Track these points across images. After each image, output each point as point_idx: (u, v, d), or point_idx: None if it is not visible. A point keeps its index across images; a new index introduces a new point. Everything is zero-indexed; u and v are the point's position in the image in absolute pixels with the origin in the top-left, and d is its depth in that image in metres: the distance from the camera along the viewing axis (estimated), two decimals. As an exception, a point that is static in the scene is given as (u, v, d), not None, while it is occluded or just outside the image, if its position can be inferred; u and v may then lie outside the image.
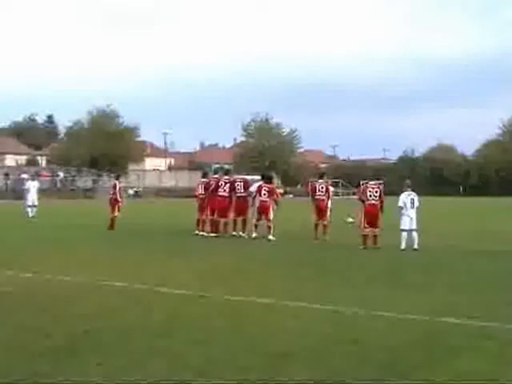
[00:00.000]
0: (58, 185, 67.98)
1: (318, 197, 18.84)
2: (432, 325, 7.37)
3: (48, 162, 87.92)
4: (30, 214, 28.52)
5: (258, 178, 21.09)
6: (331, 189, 35.55)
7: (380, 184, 17.74)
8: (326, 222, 18.58)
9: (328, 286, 10.03)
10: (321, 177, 20.10)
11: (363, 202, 16.69)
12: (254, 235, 18.49)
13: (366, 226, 16.40)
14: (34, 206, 29.28)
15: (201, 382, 5.25)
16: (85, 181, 71.54)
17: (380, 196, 16.59)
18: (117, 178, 23.88)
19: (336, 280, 10.74)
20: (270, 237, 18.25)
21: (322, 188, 19.00)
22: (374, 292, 9.49)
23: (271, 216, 18.75)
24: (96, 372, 5.50)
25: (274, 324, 7.33)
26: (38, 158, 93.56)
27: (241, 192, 19.53)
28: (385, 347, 6.33)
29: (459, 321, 7.49)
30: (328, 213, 18.80)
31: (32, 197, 29.48)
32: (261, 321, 7.49)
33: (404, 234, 15.78)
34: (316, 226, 18.50)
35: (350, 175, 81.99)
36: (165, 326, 7.15)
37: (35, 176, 34.52)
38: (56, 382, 5.28)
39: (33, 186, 30.39)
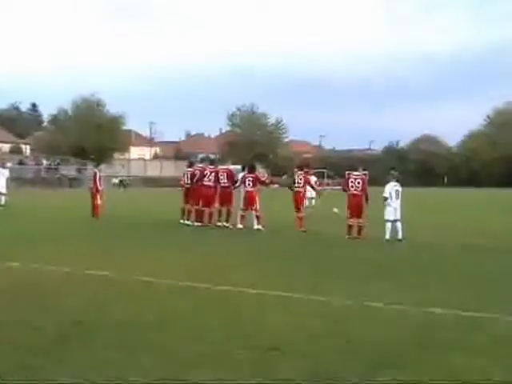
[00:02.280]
0: (43, 174, 67.47)
1: (295, 189, 18.80)
2: (423, 318, 7.38)
3: (32, 150, 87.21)
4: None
5: (238, 167, 21.04)
6: (313, 178, 35.77)
7: (364, 175, 17.74)
8: (301, 214, 18.44)
9: (318, 279, 10.00)
10: (300, 168, 19.76)
11: (345, 191, 16.77)
12: (240, 226, 18.44)
13: (349, 216, 16.47)
14: (2, 193, 29.03)
15: (192, 376, 5.21)
16: (69, 170, 71.08)
17: (363, 187, 16.59)
18: (96, 167, 23.73)
19: (327, 272, 10.72)
20: (260, 226, 18.24)
21: (301, 180, 18.88)
22: (364, 285, 9.49)
23: (258, 206, 18.72)
24: (86, 365, 5.45)
25: (265, 317, 7.30)
26: (22, 146, 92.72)
27: (225, 182, 19.49)
28: (375, 341, 6.33)
29: (450, 314, 7.51)
30: (305, 205, 18.65)
31: (1, 184, 29.25)
32: (251, 314, 7.46)
33: (388, 224, 15.84)
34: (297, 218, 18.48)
35: (335, 166, 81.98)
36: (156, 319, 7.09)
37: (4, 163, 33.97)
38: (45, 375, 5.22)
39: (2, 174, 30.03)
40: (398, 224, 15.82)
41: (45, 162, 70.23)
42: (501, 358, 5.87)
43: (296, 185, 18.82)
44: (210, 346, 6.08)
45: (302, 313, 7.58)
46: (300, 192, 18.75)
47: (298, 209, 18.56)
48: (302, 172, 19.29)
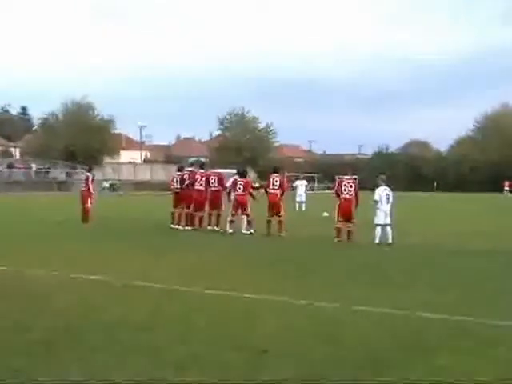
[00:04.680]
0: (33, 177, 67.24)
1: (271, 191, 18.51)
2: (410, 321, 7.42)
3: (22, 153, 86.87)
4: None
5: (234, 171, 20.91)
6: (304, 182, 35.63)
7: (355, 179, 17.80)
8: (281, 218, 18.24)
9: (308, 282, 10.05)
10: (275, 171, 19.32)
11: (338, 196, 16.80)
12: (230, 231, 18.42)
13: (340, 220, 16.53)
14: None
15: (182, 378, 5.23)
16: (59, 173, 70.86)
17: (355, 191, 16.66)
18: (89, 171, 23.73)
19: (316, 276, 10.75)
20: (252, 231, 18.23)
21: (276, 182, 18.54)
22: (353, 288, 9.53)
23: (249, 210, 18.70)
24: (75, 368, 5.44)
25: (254, 320, 7.33)
26: (12, 149, 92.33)
27: (215, 186, 19.49)
28: (363, 344, 6.37)
29: (437, 317, 7.55)
30: (282, 208, 18.42)
31: None
32: (241, 317, 7.48)
33: (378, 228, 15.91)
34: (268, 222, 18.21)
35: (326, 170, 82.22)
36: (146, 322, 7.10)
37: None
38: (34, 378, 5.21)
39: None
40: (388, 229, 15.88)
41: (34, 165, 69.96)
42: (487, 360, 5.91)
43: (271, 187, 18.51)
44: (198, 347, 6.09)
45: (290, 315, 7.61)
46: (276, 195, 18.49)
47: (273, 212, 18.30)
48: (277, 175, 18.97)
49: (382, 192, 16.21)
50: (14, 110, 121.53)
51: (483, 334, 6.85)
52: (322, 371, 5.50)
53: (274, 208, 18.29)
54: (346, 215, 16.49)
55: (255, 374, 5.37)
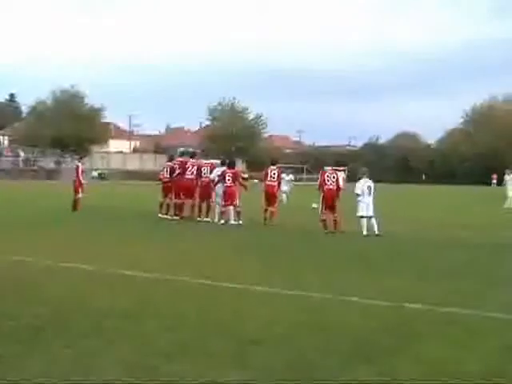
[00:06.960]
0: (21, 165, 66.90)
1: (268, 182, 18.83)
2: (399, 311, 7.44)
3: (11, 141, 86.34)
4: None
5: (218, 162, 20.94)
6: (291, 177, 35.76)
7: (344, 170, 17.92)
8: (273, 209, 18.57)
9: (298, 272, 10.06)
10: (273, 163, 19.75)
11: (321, 187, 16.93)
12: (221, 222, 18.45)
13: (325, 211, 16.68)
14: None
15: (170, 367, 5.22)
16: (48, 162, 70.54)
17: (337, 181, 16.80)
18: (79, 160, 23.70)
19: (306, 266, 10.76)
20: (240, 222, 18.29)
21: (274, 174, 18.91)
22: (343, 278, 9.56)
23: (238, 201, 18.77)
24: (63, 356, 5.43)
25: (243, 310, 7.33)
26: (0, 137, 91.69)
27: (207, 176, 19.50)
28: (353, 333, 6.38)
29: (426, 307, 7.58)
30: (278, 199, 18.75)
31: None
32: (230, 306, 7.47)
33: (364, 220, 16.03)
34: (266, 210, 18.54)
35: (315, 161, 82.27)
36: (134, 311, 7.09)
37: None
38: (20, 363, 5.20)
39: None
40: (373, 220, 16.00)
41: (22, 153, 69.60)
42: (475, 350, 5.93)
43: (269, 179, 18.80)
44: (187, 336, 6.09)
45: (279, 306, 7.61)
46: (274, 186, 18.79)
47: (270, 202, 18.60)
48: (275, 167, 19.29)
49: (364, 184, 16.36)
50: (2, 97, 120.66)
51: (472, 325, 6.87)
52: (310, 360, 5.50)
53: (271, 199, 18.61)
54: (331, 205, 16.64)
55: (244, 363, 5.37)
